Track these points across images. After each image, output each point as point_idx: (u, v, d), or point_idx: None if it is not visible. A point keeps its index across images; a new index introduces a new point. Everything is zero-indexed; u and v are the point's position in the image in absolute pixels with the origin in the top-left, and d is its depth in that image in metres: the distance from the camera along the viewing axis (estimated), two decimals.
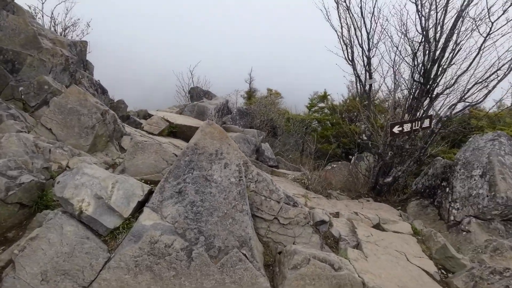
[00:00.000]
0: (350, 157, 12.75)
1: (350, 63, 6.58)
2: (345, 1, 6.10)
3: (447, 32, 5.43)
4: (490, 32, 5.17)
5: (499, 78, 5.26)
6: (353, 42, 6.39)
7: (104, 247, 2.42)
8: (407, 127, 6.05)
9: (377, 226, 4.71)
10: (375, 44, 6.33)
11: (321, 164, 8.81)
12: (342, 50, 6.51)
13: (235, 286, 2.48)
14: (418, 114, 6.31)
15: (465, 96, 5.75)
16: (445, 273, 3.66)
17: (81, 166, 2.72)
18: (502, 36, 5.15)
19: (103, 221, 2.49)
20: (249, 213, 2.83)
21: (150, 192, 2.89)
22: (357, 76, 6.63)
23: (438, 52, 5.59)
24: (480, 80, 5.46)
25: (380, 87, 7.05)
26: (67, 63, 6.35)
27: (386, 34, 6.08)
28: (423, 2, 5.39)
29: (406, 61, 6.26)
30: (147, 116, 9.17)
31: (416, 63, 5.92)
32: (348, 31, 6.33)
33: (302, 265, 2.69)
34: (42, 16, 11.52)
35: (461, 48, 5.59)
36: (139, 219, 2.53)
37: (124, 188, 2.66)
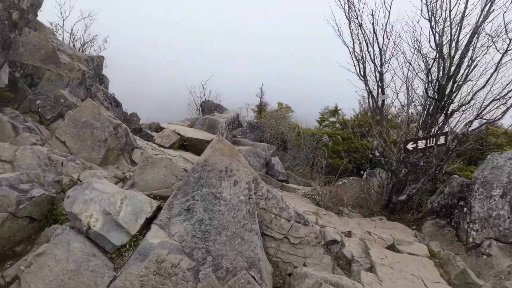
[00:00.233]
0: (362, 172, 12.52)
1: (362, 79, 6.52)
2: (357, 18, 6.11)
3: (462, 48, 5.34)
4: (508, 49, 5.06)
5: None
6: (365, 58, 6.36)
7: (110, 265, 2.38)
8: (421, 144, 5.90)
9: (392, 247, 4.52)
10: (388, 60, 6.28)
11: (332, 180, 8.65)
12: (354, 65, 6.48)
13: None
14: (432, 130, 6.15)
15: (482, 113, 5.59)
16: None
17: (91, 181, 2.72)
18: None
19: (110, 238, 2.45)
20: (259, 233, 2.75)
21: (159, 208, 2.86)
22: (369, 92, 6.56)
23: (453, 68, 5.49)
24: (498, 97, 5.31)
25: (393, 102, 6.94)
26: (84, 78, 6.52)
27: (399, 50, 6.04)
28: (437, 18, 5.34)
29: (419, 77, 6.17)
30: (159, 129, 9.28)
31: (430, 79, 5.82)
32: (360, 47, 6.31)
33: None
34: (63, 32, 12.03)
35: (477, 65, 5.48)
36: (146, 237, 2.49)
37: (133, 204, 2.64)
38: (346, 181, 10.28)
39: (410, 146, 5.89)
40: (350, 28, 6.30)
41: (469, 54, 5.43)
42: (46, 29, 6.64)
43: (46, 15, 11.04)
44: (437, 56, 5.56)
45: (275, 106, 18.19)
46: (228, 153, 2.88)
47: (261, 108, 18.40)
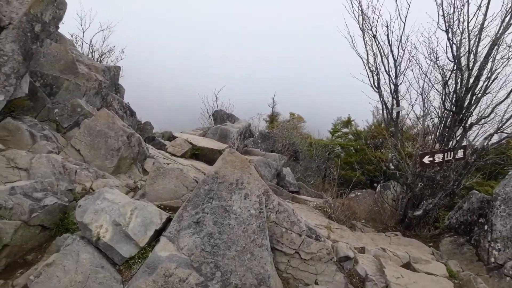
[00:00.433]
0: (375, 185, 12.23)
1: (376, 90, 6.42)
2: (371, 29, 6.06)
3: (481, 60, 5.19)
4: None
5: None
6: (379, 69, 6.28)
7: (118, 278, 2.35)
8: (438, 157, 5.71)
9: (407, 266, 4.33)
10: (403, 71, 6.18)
11: (344, 192, 8.46)
12: (368, 77, 6.40)
13: None
14: (450, 144, 5.96)
15: (503, 126, 5.38)
16: None
17: (103, 190, 2.73)
18: None
19: (119, 249, 2.44)
20: (269, 248, 2.67)
21: (168, 220, 2.83)
22: (384, 104, 6.44)
23: (471, 80, 5.33)
24: None
25: (408, 114, 6.78)
26: (100, 87, 6.69)
27: (415, 62, 5.92)
28: (454, 29, 5.23)
29: (436, 89, 6.02)
30: (171, 137, 9.38)
31: (447, 91, 5.67)
32: (374, 58, 6.24)
33: None
34: (82, 44, 12.47)
35: (497, 77, 5.31)
36: (155, 249, 2.45)
37: (143, 215, 2.62)
38: (359, 193, 10.05)
39: (426, 159, 5.72)
40: (364, 39, 6.25)
41: (489, 66, 5.28)
42: (66, 41, 6.88)
43: (67, 27, 11.49)
44: (455, 67, 5.42)
45: (287, 116, 18.16)
46: (239, 166, 2.84)
47: (273, 118, 18.40)
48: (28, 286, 2.26)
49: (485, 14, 5.03)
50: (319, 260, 3.36)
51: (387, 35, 5.90)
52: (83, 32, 12.50)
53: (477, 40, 5.10)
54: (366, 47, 6.28)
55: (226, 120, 13.60)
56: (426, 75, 5.97)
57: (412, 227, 6.39)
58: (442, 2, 5.18)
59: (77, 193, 3.46)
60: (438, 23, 5.33)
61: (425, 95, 6.32)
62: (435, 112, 6.30)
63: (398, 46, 5.98)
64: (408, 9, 5.69)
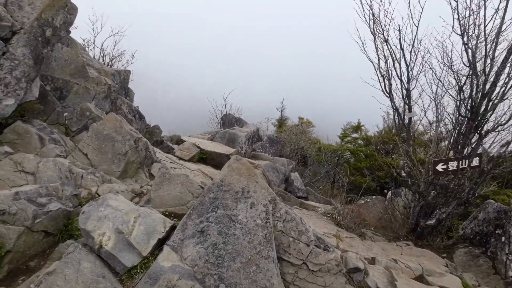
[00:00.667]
0: (385, 191, 11.95)
1: (388, 96, 6.26)
2: (382, 33, 5.93)
3: (498, 65, 4.99)
4: None
5: None
6: (391, 74, 6.12)
7: None
8: (452, 165, 5.52)
9: (420, 279, 4.16)
10: (415, 76, 6.01)
11: (353, 198, 8.28)
12: (379, 82, 6.25)
13: None
14: (465, 151, 5.75)
15: None
16: None
17: (106, 197, 2.69)
18: None
19: (121, 258, 2.38)
20: (275, 260, 2.57)
21: (173, 228, 2.76)
22: (395, 109, 6.28)
23: (488, 86, 5.14)
24: None
25: (420, 121, 6.59)
26: (109, 91, 6.73)
27: (428, 66, 5.76)
28: (470, 33, 5.05)
29: (450, 94, 5.83)
30: (179, 141, 9.38)
31: (462, 97, 5.48)
32: (386, 63, 6.09)
33: None
34: (93, 48, 12.67)
35: None
36: (158, 259, 2.38)
37: (146, 223, 2.56)
38: (368, 200, 9.83)
39: (440, 167, 5.53)
40: (375, 44, 6.11)
41: (506, 71, 5.08)
42: (77, 45, 6.96)
43: (80, 32, 11.72)
44: (470, 72, 5.23)
45: (295, 121, 18.02)
46: (246, 173, 2.76)
47: (281, 122, 18.28)
48: None
49: (503, 18, 4.85)
50: (327, 272, 3.24)
51: (399, 39, 5.76)
52: (95, 37, 12.72)
53: (494, 44, 4.92)
54: (377, 52, 6.14)
55: (235, 124, 13.56)
56: (440, 80, 5.80)
57: (424, 236, 6.18)
58: (457, 5, 5.02)
59: (82, 198, 3.43)
60: (453, 27, 5.17)
61: (438, 101, 6.14)
62: (449, 118, 6.11)
63: (411, 51, 5.82)
64: (421, 12, 5.55)
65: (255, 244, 2.48)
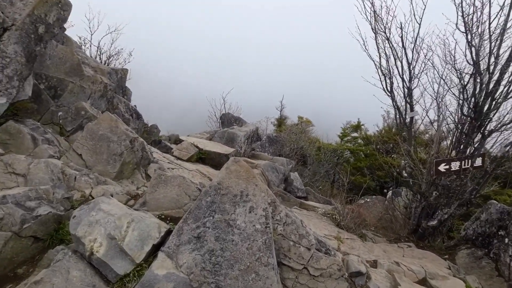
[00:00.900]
0: (385, 191, 11.85)
1: (389, 94, 6.16)
2: (384, 31, 5.81)
3: (503, 63, 4.89)
4: None
5: None
6: (392, 72, 6.02)
7: None
8: (455, 165, 5.42)
9: (423, 282, 4.07)
10: (417, 74, 5.90)
11: (353, 198, 8.18)
12: (380, 80, 6.14)
13: None
14: (467, 151, 5.65)
15: None
16: None
17: (98, 200, 2.57)
18: None
19: (113, 266, 2.26)
20: (275, 267, 2.46)
21: (168, 232, 2.64)
22: (397, 108, 6.17)
23: (491, 85, 5.03)
24: None
25: (422, 120, 6.49)
26: (105, 90, 6.59)
27: (430, 65, 5.64)
28: (474, 31, 4.94)
29: (453, 93, 5.72)
30: (178, 141, 9.24)
31: (465, 96, 5.38)
32: (387, 61, 5.99)
33: None
34: (90, 46, 12.49)
35: None
36: (152, 267, 2.27)
37: (140, 228, 2.44)
38: (368, 199, 9.73)
39: (442, 167, 5.43)
40: (376, 42, 6.00)
41: (510, 69, 4.98)
42: (73, 43, 6.81)
43: (76, 30, 11.54)
44: (474, 71, 5.12)
45: (295, 120, 17.89)
46: (244, 176, 2.64)
47: (281, 122, 18.15)
48: None
49: (508, 15, 4.74)
50: (329, 277, 3.13)
51: (401, 37, 5.65)
52: (91, 35, 12.53)
53: (499, 42, 4.81)
54: (378, 50, 6.04)
55: (234, 123, 13.44)
56: (442, 79, 5.68)
57: (425, 237, 6.09)
58: (461, 2, 4.91)
59: (75, 201, 3.30)
60: (456, 24, 5.06)
61: (439, 100, 6.03)
62: (451, 117, 6.01)
63: (413, 49, 5.72)
64: (423, 9, 5.43)
65: (254, 250, 2.37)
